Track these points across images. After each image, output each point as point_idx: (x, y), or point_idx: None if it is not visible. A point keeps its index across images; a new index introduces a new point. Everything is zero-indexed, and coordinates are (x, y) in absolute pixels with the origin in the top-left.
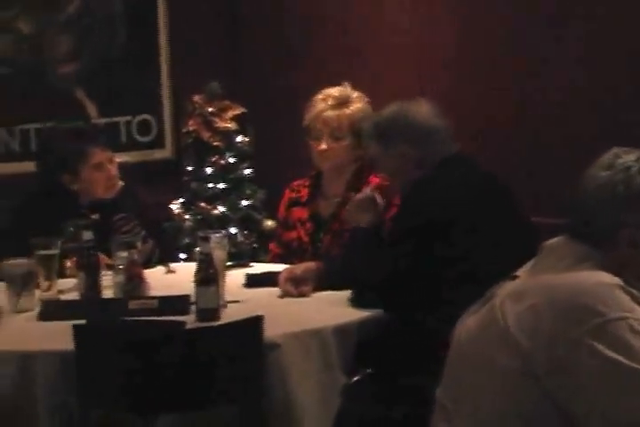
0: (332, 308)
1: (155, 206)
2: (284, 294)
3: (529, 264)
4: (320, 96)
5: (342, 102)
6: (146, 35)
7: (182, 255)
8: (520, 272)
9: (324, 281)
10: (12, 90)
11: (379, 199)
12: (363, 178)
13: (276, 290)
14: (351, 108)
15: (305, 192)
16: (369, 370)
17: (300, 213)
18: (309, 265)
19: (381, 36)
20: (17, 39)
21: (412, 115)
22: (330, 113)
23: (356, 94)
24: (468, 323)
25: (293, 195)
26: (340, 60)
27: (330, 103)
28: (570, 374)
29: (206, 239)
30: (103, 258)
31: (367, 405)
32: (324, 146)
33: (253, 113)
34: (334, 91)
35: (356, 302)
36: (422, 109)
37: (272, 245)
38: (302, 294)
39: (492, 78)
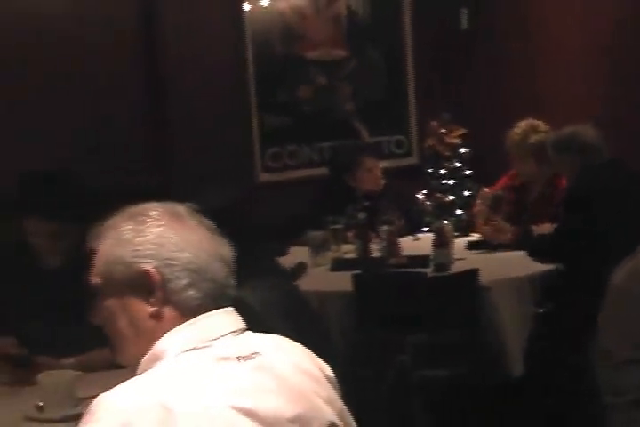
0: (527, 262)
1: (406, 196)
2: (488, 237)
3: None
4: (511, 132)
5: (524, 136)
6: (399, 83)
7: (425, 229)
8: None
9: (521, 241)
10: (310, 121)
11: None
12: (555, 181)
13: (489, 251)
14: (531, 140)
15: (518, 182)
16: (549, 304)
17: (512, 195)
18: (503, 223)
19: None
20: (315, 88)
21: (580, 136)
22: (515, 146)
23: (540, 126)
24: (623, 270)
25: (510, 182)
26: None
27: (515, 139)
28: None
29: (440, 217)
30: (371, 234)
31: (550, 329)
32: (514, 169)
33: (474, 133)
34: (518, 128)
35: (542, 256)
36: (586, 132)
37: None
38: (499, 239)
39: None
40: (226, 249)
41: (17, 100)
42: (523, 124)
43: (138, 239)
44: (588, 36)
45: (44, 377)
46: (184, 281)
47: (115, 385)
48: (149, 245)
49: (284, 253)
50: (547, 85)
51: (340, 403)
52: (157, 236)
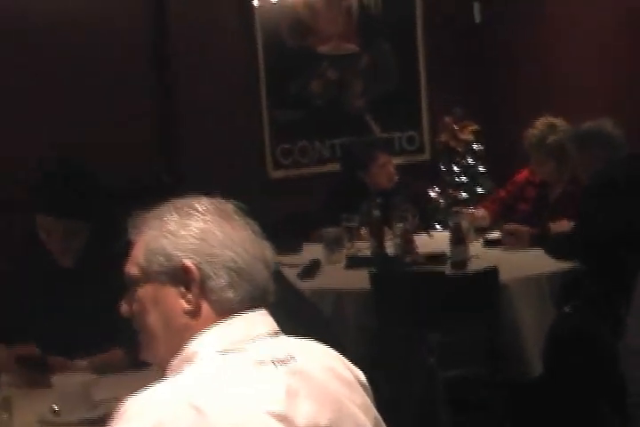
0: (546, 260)
1: (419, 193)
2: (506, 244)
3: None
4: (528, 132)
5: (542, 137)
6: (411, 78)
7: (438, 226)
8: None
9: (538, 240)
10: (321, 116)
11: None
12: (578, 179)
13: (506, 249)
14: (549, 140)
15: (538, 179)
16: (574, 303)
17: (533, 192)
18: (521, 227)
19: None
20: (326, 83)
21: (604, 130)
22: (533, 147)
23: (558, 124)
24: None
25: (530, 177)
26: (549, 92)
27: (532, 140)
28: None
29: (457, 213)
30: (386, 231)
31: (574, 327)
32: (533, 169)
33: (487, 128)
34: (535, 128)
35: (561, 256)
36: (609, 126)
37: (502, 191)
38: (518, 245)
39: None
40: (268, 251)
41: (29, 97)
42: (539, 124)
43: (182, 232)
44: (602, 30)
45: (59, 380)
46: (223, 280)
47: (130, 387)
48: (192, 240)
49: (296, 251)
50: (561, 78)
51: (374, 410)
52: (202, 231)
